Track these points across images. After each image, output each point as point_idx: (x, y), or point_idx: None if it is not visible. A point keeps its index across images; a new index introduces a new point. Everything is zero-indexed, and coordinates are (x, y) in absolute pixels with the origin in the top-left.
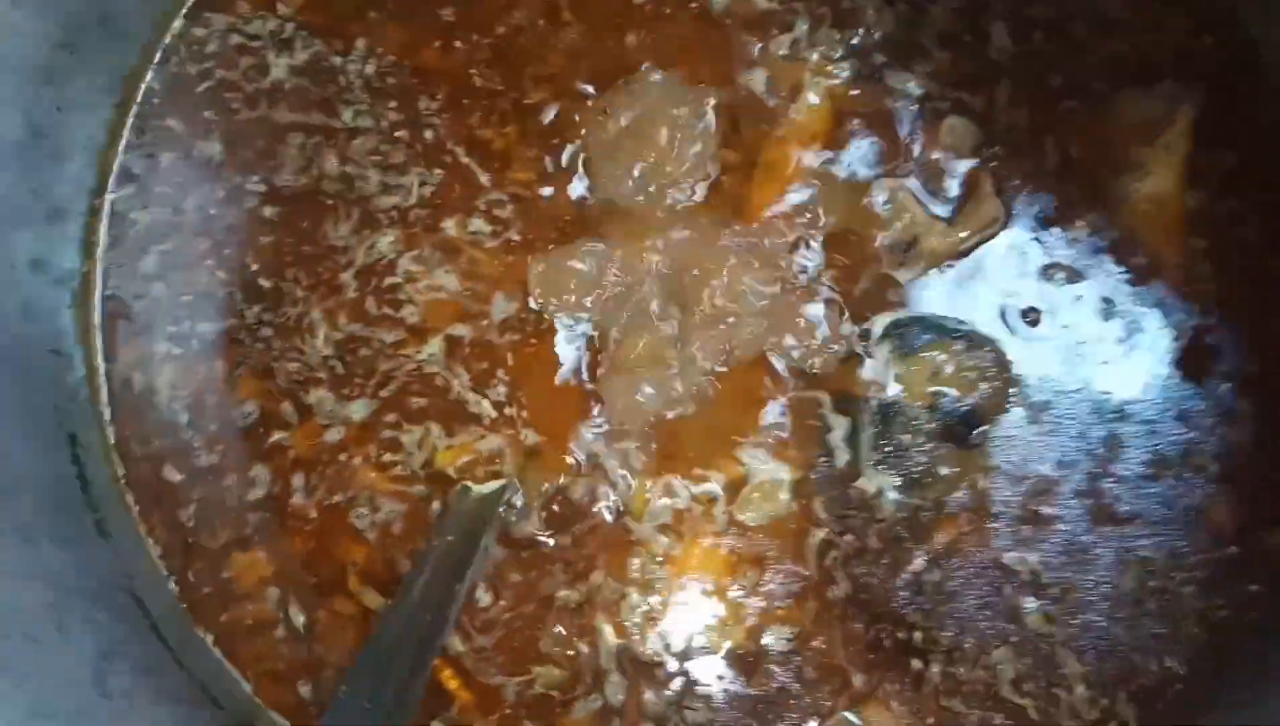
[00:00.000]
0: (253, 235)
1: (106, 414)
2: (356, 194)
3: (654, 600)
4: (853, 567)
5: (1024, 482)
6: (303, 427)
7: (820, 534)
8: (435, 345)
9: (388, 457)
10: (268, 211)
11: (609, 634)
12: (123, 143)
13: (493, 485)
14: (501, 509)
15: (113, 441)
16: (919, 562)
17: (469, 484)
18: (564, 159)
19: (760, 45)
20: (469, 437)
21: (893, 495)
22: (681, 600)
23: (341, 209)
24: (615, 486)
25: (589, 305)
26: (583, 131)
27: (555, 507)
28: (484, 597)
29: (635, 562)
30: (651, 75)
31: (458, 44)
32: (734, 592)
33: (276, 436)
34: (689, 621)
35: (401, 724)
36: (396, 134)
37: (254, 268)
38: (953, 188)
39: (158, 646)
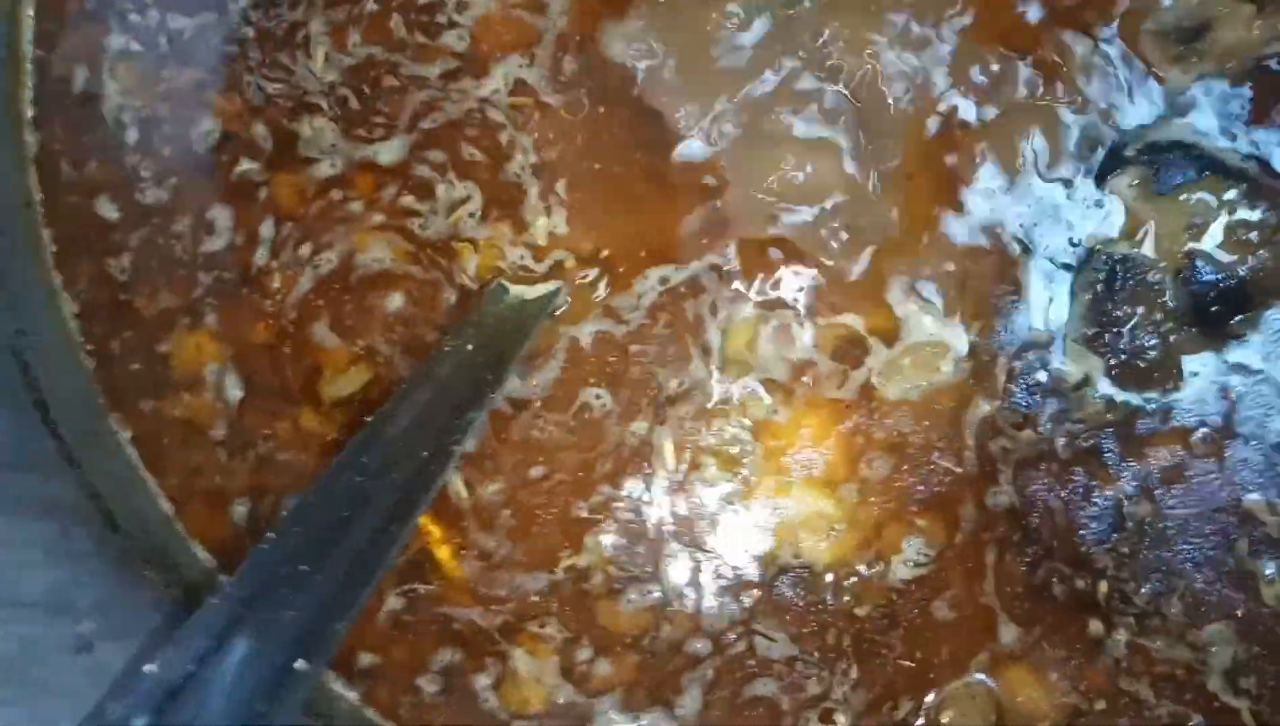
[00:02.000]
0: None
1: (29, 114)
2: None
3: (738, 480)
4: (1028, 478)
5: None
6: (283, 164)
7: (989, 420)
8: (498, 79)
9: (408, 203)
10: None
11: (666, 514)
12: None
13: (541, 288)
14: (545, 320)
15: (33, 153)
16: (1125, 486)
17: (506, 282)
18: None
19: None
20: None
21: (1104, 386)
22: (776, 486)
23: None
24: (713, 311)
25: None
26: None
27: (614, 325)
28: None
29: (719, 426)
30: None
31: None
32: (850, 487)
33: (245, 167)
34: (782, 518)
35: (351, 603)
36: None
37: None
38: None
39: (41, 432)
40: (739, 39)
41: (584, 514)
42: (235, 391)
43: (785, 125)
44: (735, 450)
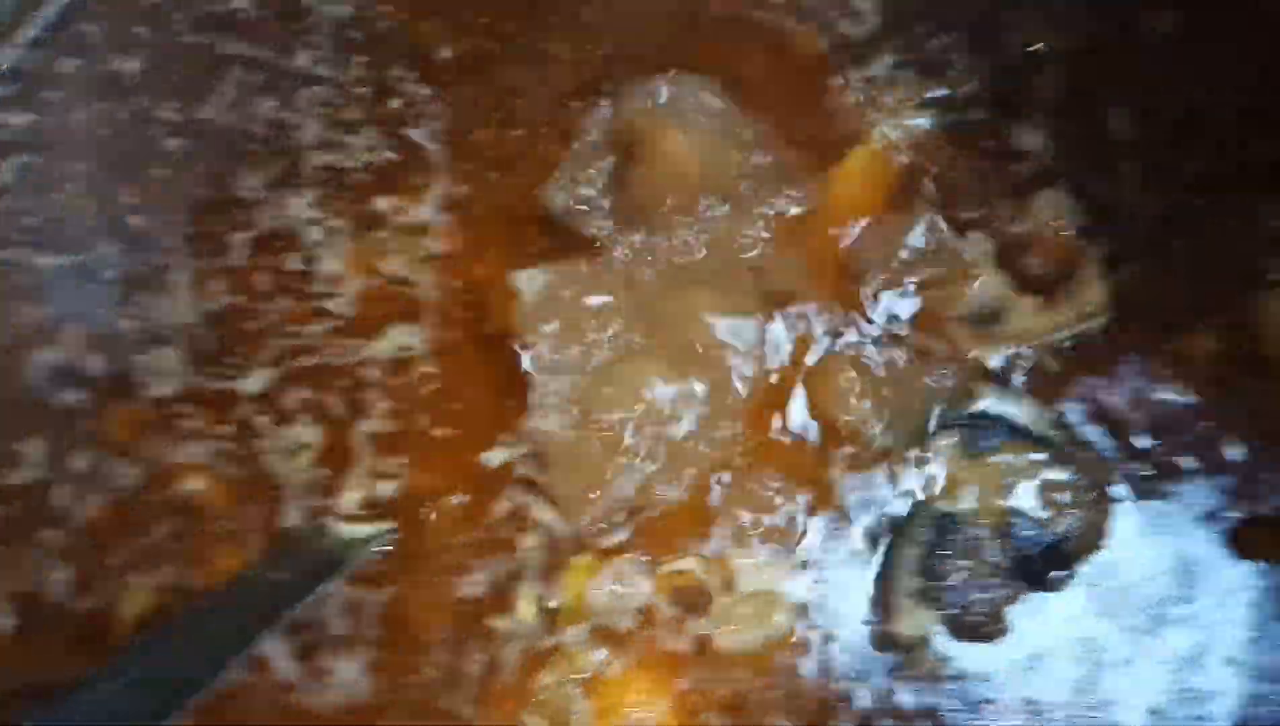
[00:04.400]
0: (144, 166)
1: None
2: (290, 144)
3: None
4: None
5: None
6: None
7: (826, 678)
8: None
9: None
10: (173, 143)
11: None
12: (26, 34)
13: (368, 529)
14: (368, 556)
15: None
16: None
17: (328, 523)
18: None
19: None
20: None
21: (939, 641)
22: None
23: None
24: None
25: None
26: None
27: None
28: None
29: (546, 679)
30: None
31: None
32: None
33: (71, 396)
34: None
35: None
36: (357, 90)
37: (131, 201)
38: (1039, 268)
39: None
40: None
41: None
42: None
43: None
44: (563, 707)
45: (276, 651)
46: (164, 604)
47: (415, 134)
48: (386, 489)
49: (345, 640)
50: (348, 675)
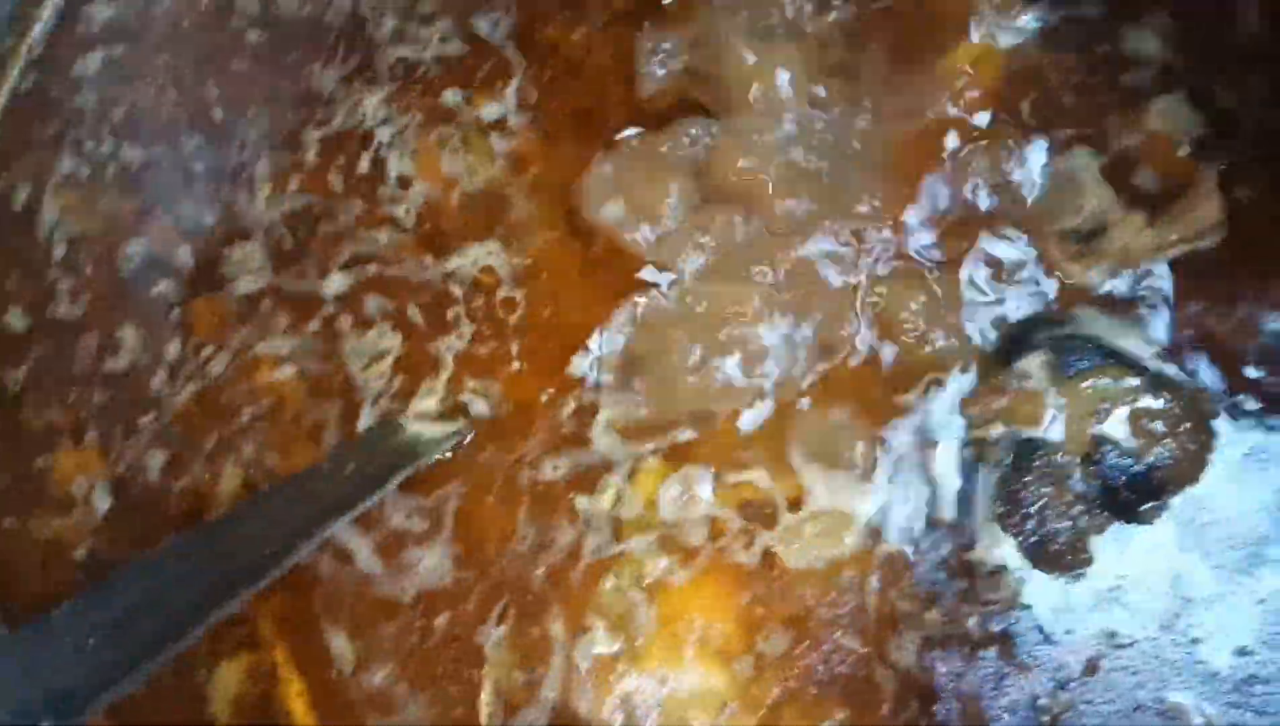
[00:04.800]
0: (224, 58)
1: None
2: (365, 38)
3: (624, 643)
4: (934, 662)
5: None
6: (207, 292)
7: (894, 598)
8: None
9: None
10: (253, 36)
11: (552, 672)
12: None
13: (441, 429)
14: (439, 455)
15: None
16: (1039, 679)
17: (403, 420)
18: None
19: None
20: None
21: (1017, 567)
22: (665, 655)
23: (340, 51)
24: (614, 466)
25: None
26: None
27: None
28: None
29: (609, 583)
30: None
31: None
32: (743, 661)
33: (163, 286)
34: (668, 690)
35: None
36: None
37: (213, 94)
38: (1148, 182)
39: None
40: None
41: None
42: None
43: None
44: (625, 612)
45: (356, 543)
46: (249, 486)
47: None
48: (465, 389)
49: (421, 533)
50: (428, 563)
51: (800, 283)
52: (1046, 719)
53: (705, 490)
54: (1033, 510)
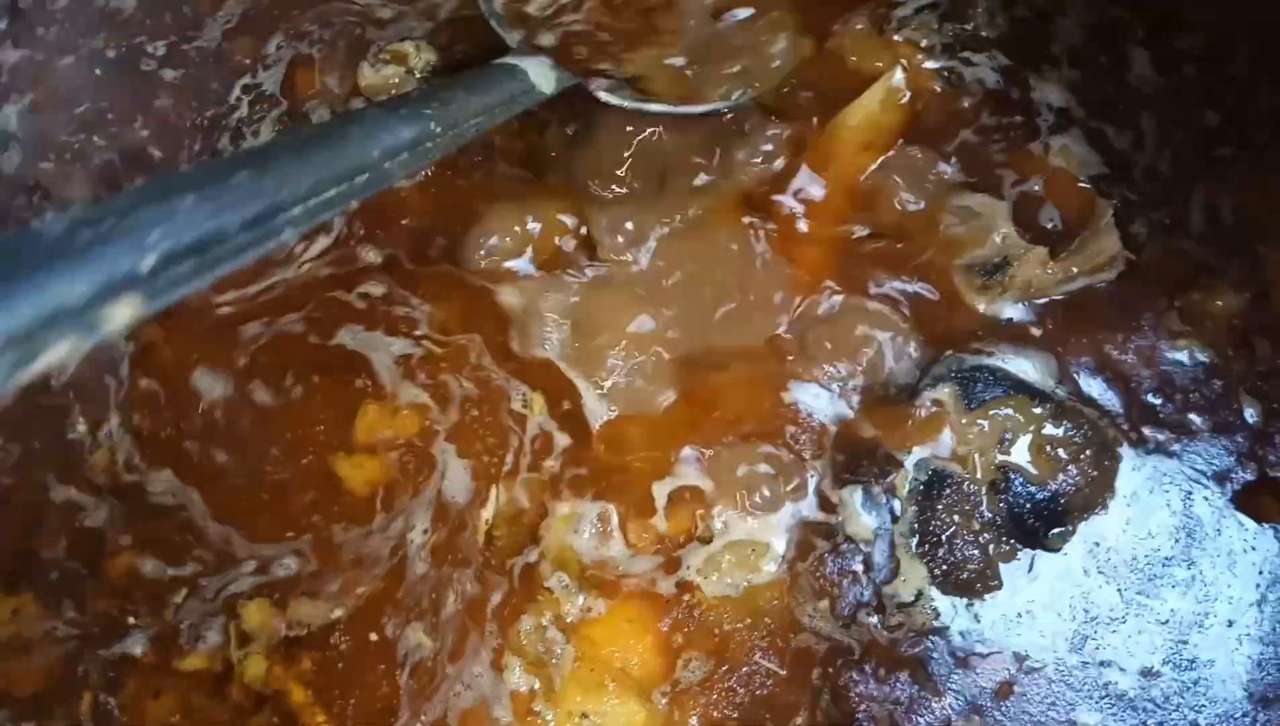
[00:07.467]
0: (144, 99)
1: None
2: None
3: (541, 680)
4: (851, 685)
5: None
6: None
7: (811, 624)
8: None
9: None
10: (169, 75)
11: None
12: None
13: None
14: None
15: None
16: (951, 702)
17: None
18: None
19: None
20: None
21: (928, 596)
22: (585, 689)
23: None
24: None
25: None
26: None
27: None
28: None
29: (527, 623)
30: None
31: None
32: (662, 692)
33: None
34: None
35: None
36: None
37: (143, 134)
38: (1049, 219)
39: None
40: None
41: None
42: None
43: None
44: (543, 649)
45: None
46: None
47: None
48: None
49: None
50: None
51: None
52: None
53: (617, 527)
54: (943, 538)
